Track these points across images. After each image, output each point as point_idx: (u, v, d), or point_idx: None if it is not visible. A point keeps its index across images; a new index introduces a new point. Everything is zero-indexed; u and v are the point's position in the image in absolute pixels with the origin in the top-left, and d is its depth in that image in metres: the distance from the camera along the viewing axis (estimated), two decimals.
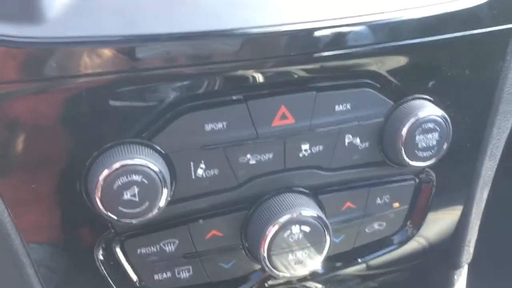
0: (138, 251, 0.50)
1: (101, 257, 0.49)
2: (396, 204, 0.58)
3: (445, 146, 0.53)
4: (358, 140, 0.52)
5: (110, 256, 0.50)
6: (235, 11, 0.45)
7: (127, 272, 0.51)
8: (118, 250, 0.50)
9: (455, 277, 0.69)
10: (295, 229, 0.50)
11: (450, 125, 0.52)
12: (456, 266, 0.67)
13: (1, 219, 0.44)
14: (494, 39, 0.54)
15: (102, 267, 0.50)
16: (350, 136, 0.52)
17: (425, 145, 0.52)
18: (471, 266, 0.70)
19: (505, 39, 0.54)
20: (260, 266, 0.54)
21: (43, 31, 0.41)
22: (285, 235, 0.49)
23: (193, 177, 0.48)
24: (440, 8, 0.50)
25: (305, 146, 0.50)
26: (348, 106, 0.50)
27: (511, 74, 0.56)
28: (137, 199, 0.43)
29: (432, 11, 0.50)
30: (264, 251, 0.50)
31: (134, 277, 0.52)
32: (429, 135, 0.51)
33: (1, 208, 0.44)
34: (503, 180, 0.64)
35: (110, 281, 0.50)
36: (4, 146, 0.43)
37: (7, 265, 0.47)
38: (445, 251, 0.65)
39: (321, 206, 0.54)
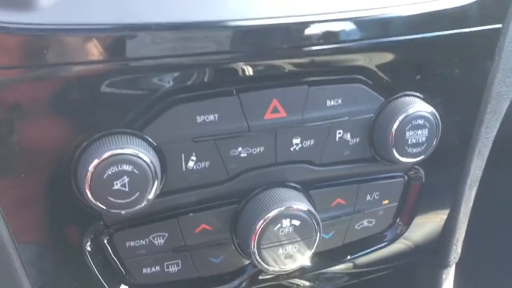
0: (127, 244, 0.50)
1: (89, 249, 0.49)
2: (386, 201, 0.58)
3: (434, 142, 0.53)
4: (348, 136, 0.53)
5: (99, 248, 0.49)
6: (228, 3, 0.45)
7: (115, 265, 0.51)
8: (106, 242, 0.49)
9: (443, 276, 0.69)
10: (286, 222, 0.50)
11: (440, 122, 0.53)
12: (444, 265, 0.68)
13: None
14: (482, 39, 0.55)
15: (90, 260, 0.49)
16: (341, 131, 0.52)
17: (414, 141, 0.52)
18: (458, 265, 0.70)
19: (493, 39, 0.55)
20: (250, 261, 0.55)
21: (35, 18, 0.40)
22: (275, 228, 0.49)
23: (184, 169, 0.48)
24: (430, 6, 0.51)
25: (296, 140, 0.51)
26: (340, 101, 0.51)
27: (499, 73, 0.57)
28: (127, 189, 0.43)
29: (422, 9, 0.50)
30: (254, 245, 0.50)
31: (122, 270, 0.51)
32: (419, 131, 0.52)
33: None
34: (490, 180, 0.64)
35: (98, 274, 0.50)
36: None
37: None
38: (433, 250, 0.65)
39: (311, 201, 0.54)
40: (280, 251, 0.51)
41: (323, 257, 0.59)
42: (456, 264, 0.69)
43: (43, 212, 0.46)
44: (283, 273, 0.56)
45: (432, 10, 0.51)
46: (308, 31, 0.47)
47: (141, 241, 0.50)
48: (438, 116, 0.53)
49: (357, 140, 0.53)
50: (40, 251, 0.48)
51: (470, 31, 0.53)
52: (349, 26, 0.48)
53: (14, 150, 0.43)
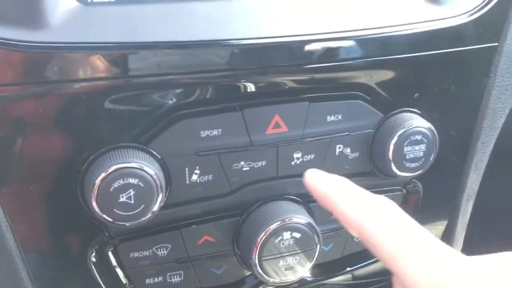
0: (131, 255, 0.51)
1: (93, 259, 0.49)
2: None
3: (431, 157, 0.54)
4: (348, 150, 0.54)
5: (103, 259, 0.50)
6: (232, 22, 0.47)
7: (119, 276, 0.51)
8: (111, 253, 0.50)
9: None
10: (286, 235, 0.50)
11: (437, 137, 0.54)
12: None
13: None
14: (478, 57, 0.56)
15: (95, 270, 0.50)
16: (341, 146, 0.53)
17: (412, 156, 0.53)
18: None
19: (489, 57, 0.57)
20: (251, 272, 0.56)
21: (44, 36, 0.42)
22: (276, 240, 0.50)
23: (188, 182, 0.49)
24: (427, 25, 0.52)
25: (297, 155, 0.52)
26: (340, 117, 0.52)
27: (495, 90, 0.58)
28: (132, 201, 0.44)
29: (420, 28, 0.52)
30: (255, 257, 0.50)
31: (125, 280, 0.52)
32: (417, 147, 0.53)
33: None
34: (488, 190, 0.66)
35: (102, 284, 0.51)
36: (1, 149, 0.43)
37: (1, 268, 0.47)
38: None
39: (311, 214, 0.55)
40: (281, 262, 0.51)
41: (323, 269, 0.59)
42: None
43: (50, 223, 0.47)
44: (284, 284, 0.57)
45: (430, 29, 0.52)
46: (309, 50, 0.48)
47: (145, 252, 0.51)
48: (435, 132, 0.54)
49: (357, 155, 0.54)
50: (46, 261, 0.49)
51: (467, 50, 0.55)
52: (349, 45, 0.50)
53: (23, 162, 0.44)
